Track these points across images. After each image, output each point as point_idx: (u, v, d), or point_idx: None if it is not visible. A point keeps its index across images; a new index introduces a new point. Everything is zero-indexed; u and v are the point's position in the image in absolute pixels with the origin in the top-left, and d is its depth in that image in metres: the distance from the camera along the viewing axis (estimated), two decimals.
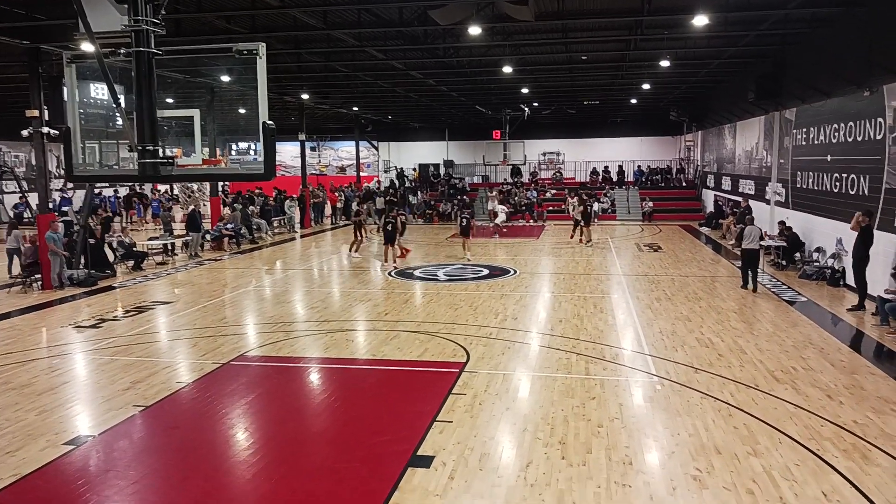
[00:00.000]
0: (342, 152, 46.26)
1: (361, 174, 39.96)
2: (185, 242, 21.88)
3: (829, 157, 16.06)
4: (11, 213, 30.30)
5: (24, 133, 16.06)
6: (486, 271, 17.82)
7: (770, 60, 19.63)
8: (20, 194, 25.62)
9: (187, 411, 8.23)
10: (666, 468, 6.39)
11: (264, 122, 6.28)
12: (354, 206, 27.31)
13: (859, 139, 14.31)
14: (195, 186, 27.79)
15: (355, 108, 34.73)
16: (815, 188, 16.97)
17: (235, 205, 26.68)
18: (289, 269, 19.31)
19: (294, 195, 30.86)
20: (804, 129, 17.95)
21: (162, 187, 39.00)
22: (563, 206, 32.53)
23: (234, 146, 40.56)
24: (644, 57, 20.13)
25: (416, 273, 17.73)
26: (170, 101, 7.96)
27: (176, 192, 37.17)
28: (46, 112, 16.12)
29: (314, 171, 42.95)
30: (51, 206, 17.85)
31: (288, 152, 43.15)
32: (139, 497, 6.09)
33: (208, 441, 7.33)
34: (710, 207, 30.43)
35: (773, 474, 6.21)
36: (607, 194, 34.24)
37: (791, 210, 18.84)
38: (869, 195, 13.70)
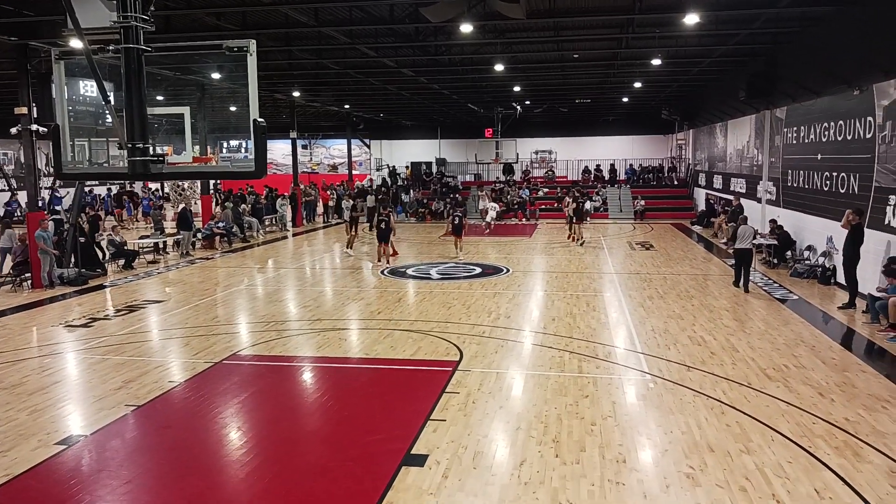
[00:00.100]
0: (334, 150, 46.16)
1: (353, 172, 39.90)
2: (176, 241, 21.78)
3: (819, 156, 16.14)
4: (1, 211, 30.12)
5: (13, 130, 15.95)
6: (478, 270, 17.82)
7: (761, 59, 19.71)
8: (11, 192, 25.47)
9: (180, 410, 8.19)
10: (659, 466, 6.40)
11: (255, 120, 6.24)
12: (347, 203, 27.22)
13: (849, 138, 14.38)
14: (186, 184, 27.62)
15: (347, 106, 34.65)
16: (806, 187, 17.05)
17: (227, 203, 26.57)
18: (281, 267, 19.24)
19: (285, 193, 30.77)
20: (795, 128, 18.03)
21: (152, 185, 38.84)
22: (556, 205, 32.63)
23: (225, 144, 40.44)
24: (635, 55, 20.17)
25: (409, 272, 17.71)
26: (160, 98, 7.90)
27: (167, 190, 36.98)
28: (35, 109, 16.00)
29: (306, 170, 42.84)
30: (40, 204, 17.67)
31: (279, 150, 43.02)
32: (132, 497, 6.05)
33: (201, 440, 7.29)
34: (701, 206, 30.55)
35: (766, 471, 6.23)
36: (599, 193, 34.30)
37: (782, 208, 18.93)
38: (859, 194, 13.78)
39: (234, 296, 15.06)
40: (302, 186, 32.30)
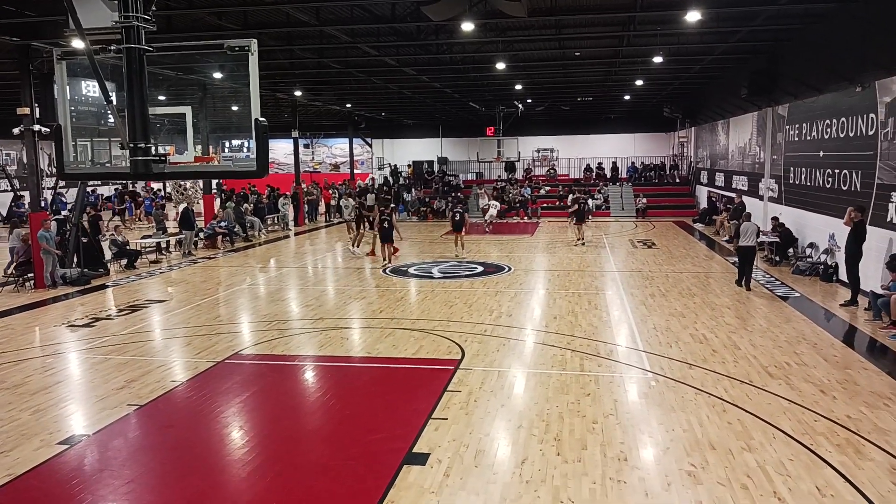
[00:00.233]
0: (336, 149, 46.16)
1: (355, 171, 39.90)
2: (178, 240, 21.81)
3: (821, 153, 16.12)
4: (6, 211, 30.18)
5: (16, 131, 15.97)
6: (480, 268, 17.82)
7: (763, 56, 19.66)
8: (14, 192, 25.51)
9: (182, 410, 8.21)
10: (661, 464, 6.41)
11: (257, 119, 6.25)
12: (350, 202, 27.13)
13: (851, 135, 14.35)
14: (188, 184, 27.64)
15: (348, 105, 34.63)
16: (808, 184, 17.03)
17: (229, 203, 26.59)
18: (283, 267, 19.26)
19: (287, 193, 30.79)
20: (797, 125, 18.01)
21: (155, 185, 38.91)
22: (557, 203, 32.63)
23: (226, 143, 40.50)
24: (637, 53, 20.14)
25: (411, 270, 17.72)
26: (162, 98, 7.93)
27: (169, 189, 37.04)
28: (37, 110, 16.01)
29: (308, 169, 42.85)
30: (43, 204, 17.69)
31: (281, 149, 43.03)
32: (134, 496, 6.06)
33: (203, 440, 7.31)
34: (703, 204, 30.51)
35: (767, 469, 6.23)
36: (601, 191, 34.27)
37: (784, 206, 18.91)
38: (861, 191, 13.76)
39: (236, 295, 15.09)
40: (304, 186, 32.31)
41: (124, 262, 18.70)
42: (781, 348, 10.06)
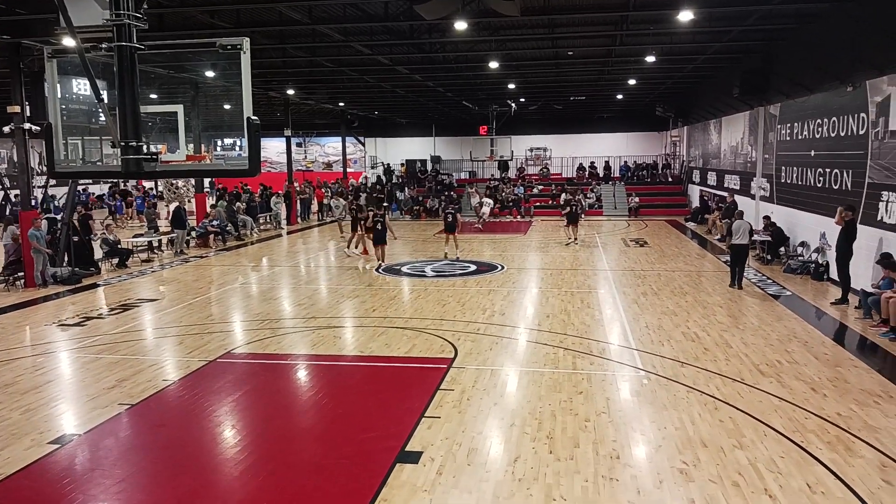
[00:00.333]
0: (328, 148, 46.09)
1: (348, 170, 39.85)
2: (170, 239, 21.73)
3: (812, 153, 16.20)
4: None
5: (6, 129, 15.88)
6: (473, 267, 17.83)
7: (755, 56, 19.74)
8: (3, 191, 25.33)
9: (174, 409, 8.18)
10: (653, 462, 6.43)
11: (249, 118, 6.23)
12: (341, 201, 27.06)
13: (842, 134, 14.43)
14: (180, 183, 27.56)
15: (341, 104, 34.58)
16: (800, 183, 17.11)
17: (220, 202, 26.51)
18: (275, 265, 19.23)
19: (279, 191, 30.71)
20: (788, 125, 18.09)
21: (147, 184, 38.77)
22: (550, 203, 32.68)
23: (219, 142, 40.39)
24: (630, 52, 20.17)
25: (404, 269, 17.71)
26: (153, 96, 7.91)
27: (161, 188, 36.91)
28: (28, 108, 15.92)
29: (300, 168, 42.75)
30: (33, 202, 17.59)
31: (273, 148, 42.94)
32: (126, 495, 6.04)
33: (195, 439, 7.29)
34: (695, 202, 30.60)
35: (759, 466, 6.26)
36: (594, 190, 34.33)
37: (776, 205, 18.99)
38: (852, 190, 13.83)
39: (228, 294, 15.05)
40: (297, 186, 32.23)
41: (116, 261, 18.62)
42: (773, 346, 10.11)
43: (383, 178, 39.53)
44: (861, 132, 13.49)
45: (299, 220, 31.03)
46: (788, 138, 18.06)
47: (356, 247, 20.47)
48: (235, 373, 9.43)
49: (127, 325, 12.23)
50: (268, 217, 28.80)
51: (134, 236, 21.76)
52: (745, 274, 14.78)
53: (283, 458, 6.71)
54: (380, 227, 18.40)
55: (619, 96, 31.95)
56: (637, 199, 32.24)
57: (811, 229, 16.04)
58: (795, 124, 17.49)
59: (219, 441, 7.29)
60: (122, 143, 6.40)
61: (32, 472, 6.49)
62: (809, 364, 9.25)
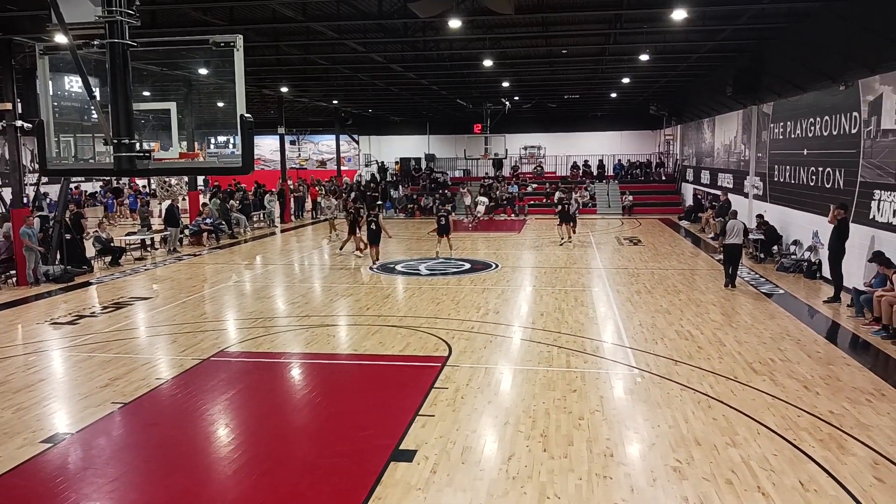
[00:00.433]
0: (322, 146, 45.96)
1: (342, 168, 39.77)
2: (163, 237, 21.66)
3: (805, 151, 16.26)
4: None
5: None
6: (467, 265, 17.83)
7: (748, 55, 19.80)
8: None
9: (167, 408, 8.15)
10: (646, 460, 6.45)
11: (242, 116, 6.21)
12: (332, 201, 26.94)
13: (835, 133, 14.49)
14: (173, 181, 27.45)
15: (335, 102, 34.51)
16: (792, 182, 17.17)
17: (214, 199, 26.41)
18: (269, 263, 19.18)
19: (273, 189, 30.63)
20: (781, 124, 18.15)
21: (140, 181, 38.60)
22: (544, 201, 32.69)
23: (212, 140, 40.23)
24: (624, 51, 20.20)
25: (398, 268, 17.69)
26: (146, 93, 7.88)
27: (154, 186, 36.75)
28: (20, 105, 15.84)
29: (294, 166, 42.64)
30: (25, 200, 17.48)
31: (267, 146, 42.80)
32: (118, 494, 6.02)
33: (189, 438, 7.27)
34: (689, 201, 30.69)
35: (752, 464, 6.28)
36: (588, 188, 34.38)
37: (769, 203, 19.06)
38: (844, 188, 13.89)
39: (221, 292, 15.00)
40: (291, 184, 32.14)
41: (108, 259, 18.54)
42: (766, 345, 10.15)
43: (377, 176, 39.47)
44: (853, 131, 13.54)
45: (293, 218, 30.97)
46: (781, 137, 18.12)
47: (356, 248, 19.90)
48: (229, 371, 9.41)
49: (120, 323, 12.18)
50: (262, 215, 28.74)
51: (127, 234, 21.66)
52: (738, 272, 14.80)
53: (277, 456, 6.70)
54: (374, 227, 18.30)
55: (613, 95, 32.00)
56: (631, 198, 32.30)
57: (804, 228, 16.10)
58: (788, 123, 17.55)
59: (212, 440, 7.27)
60: (115, 141, 6.38)
61: (25, 472, 6.46)
62: (802, 362, 9.29)
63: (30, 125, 15.08)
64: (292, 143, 44.73)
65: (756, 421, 7.28)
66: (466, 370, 9.13)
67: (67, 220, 17.69)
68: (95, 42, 6.30)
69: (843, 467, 6.21)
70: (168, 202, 22.72)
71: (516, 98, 32.89)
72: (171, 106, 6.92)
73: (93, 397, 8.35)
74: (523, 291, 14.52)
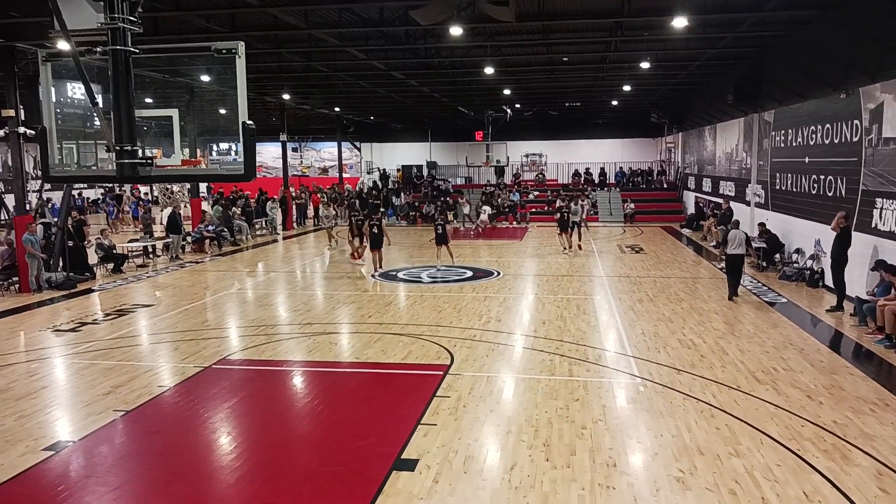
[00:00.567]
0: (324, 153, 46.05)
1: (344, 175, 39.83)
2: (165, 244, 21.66)
3: (807, 159, 16.25)
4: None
5: (0, 133, 15.81)
6: (469, 273, 17.81)
7: (748, 63, 19.83)
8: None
9: (169, 415, 8.13)
10: (649, 469, 6.41)
11: (244, 123, 6.21)
12: (331, 211, 26.85)
13: (836, 141, 14.48)
14: (175, 188, 27.52)
15: (337, 109, 34.59)
16: (794, 190, 17.16)
17: (216, 206, 26.45)
18: (271, 271, 19.17)
19: (275, 196, 30.65)
20: (783, 131, 18.15)
21: (142, 188, 38.67)
22: (546, 209, 32.68)
23: (214, 147, 40.27)
24: (624, 58, 20.24)
25: (400, 275, 17.68)
26: (148, 100, 7.85)
27: (156, 193, 36.81)
28: (22, 111, 15.88)
29: (296, 173, 42.71)
30: (28, 207, 17.49)
31: (269, 153, 42.87)
32: (120, 503, 5.99)
33: (191, 445, 7.24)
34: (690, 209, 30.67)
35: (755, 475, 6.25)
36: (589, 196, 34.36)
37: (770, 211, 19.04)
38: (846, 196, 13.87)
39: (223, 299, 14.99)
40: (293, 191, 32.16)
41: (111, 266, 18.55)
42: (768, 353, 10.11)
43: (379, 183, 39.52)
44: (855, 139, 13.54)
45: (295, 225, 30.99)
46: (783, 145, 18.12)
47: (351, 254, 20.06)
48: (231, 379, 9.39)
49: (122, 330, 12.17)
50: (264, 222, 28.76)
51: (129, 241, 21.69)
52: (740, 281, 14.68)
53: (279, 465, 6.68)
54: (376, 231, 18.29)
55: (614, 102, 32.05)
56: (632, 206, 32.29)
57: (806, 236, 16.07)
58: (790, 131, 17.56)
59: (214, 448, 7.25)
60: (117, 148, 6.37)
61: (26, 479, 6.44)
62: (805, 371, 9.26)
63: (32, 132, 15.13)
64: (294, 150, 44.82)
65: (759, 431, 7.24)
66: (468, 378, 9.10)
67: (70, 226, 17.71)
68: (98, 49, 6.31)
69: (847, 478, 6.17)
70: (170, 209, 22.74)
71: (518, 105, 32.97)
72: (174, 113, 6.91)
73: (95, 405, 8.33)
74: (525, 299, 14.50)
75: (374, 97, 28.87)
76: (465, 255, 21.00)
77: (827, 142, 15.00)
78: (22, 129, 15.53)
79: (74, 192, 31.39)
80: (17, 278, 15.81)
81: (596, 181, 37.14)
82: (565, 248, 21.48)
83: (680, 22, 14.21)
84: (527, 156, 40.97)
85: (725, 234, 14.73)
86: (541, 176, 38.92)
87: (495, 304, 13.94)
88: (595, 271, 17.97)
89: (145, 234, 22.94)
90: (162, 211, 28.10)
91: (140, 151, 6.52)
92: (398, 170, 41.74)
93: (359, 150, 44.70)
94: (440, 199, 34.12)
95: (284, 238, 27.30)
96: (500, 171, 37.11)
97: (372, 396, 8.68)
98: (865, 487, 6.00)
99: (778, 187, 18.51)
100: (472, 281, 16.68)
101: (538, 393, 8.51)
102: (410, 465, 6.55)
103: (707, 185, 28.01)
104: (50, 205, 27.39)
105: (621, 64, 21.22)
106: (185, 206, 25.14)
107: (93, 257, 18.57)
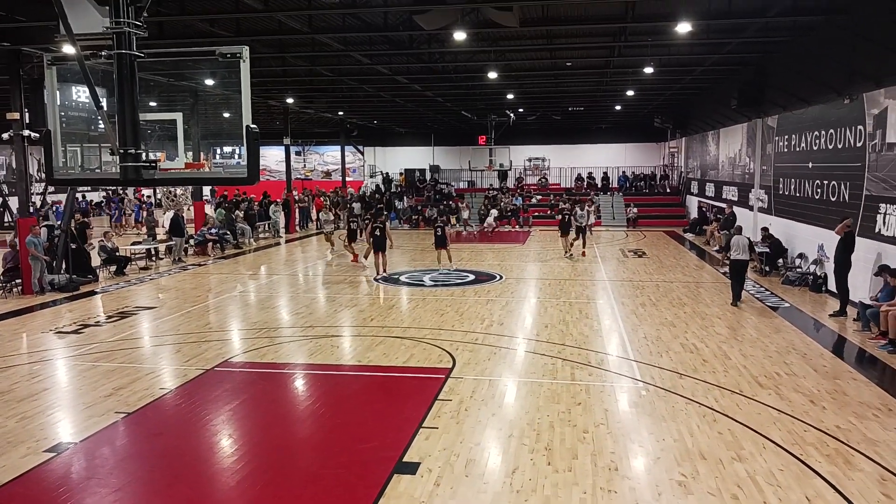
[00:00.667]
0: (327, 157, 46.14)
1: (347, 179, 39.88)
2: (168, 247, 21.70)
3: (810, 164, 16.24)
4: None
5: (5, 136, 15.89)
6: (472, 277, 17.81)
7: (752, 68, 19.83)
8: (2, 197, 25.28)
9: (171, 418, 8.14)
10: (651, 474, 6.40)
11: (248, 126, 6.23)
12: (329, 216, 26.75)
13: (840, 146, 14.47)
14: (178, 191, 27.56)
15: (340, 113, 34.67)
16: (798, 195, 17.14)
17: (219, 209, 26.48)
18: (273, 274, 19.19)
19: (278, 200, 30.69)
20: (786, 137, 18.14)
21: (145, 191, 38.77)
22: (548, 213, 32.70)
23: (217, 150, 40.39)
24: (628, 63, 20.26)
25: (402, 279, 17.69)
26: (153, 104, 7.90)
27: (159, 196, 36.88)
28: (27, 115, 15.94)
29: (299, 176, 42.78)
30: (32, 209, 17.54)
31: (273, 157, 42.96)
32: None
33: (192, 448, 7.25)
34: (694, 213, 30.64)
35: (758, 479, 6.23)
36: (593, 200, 34.35)
37: (774, 216, 19.02)
38: (849, 202, 13.85)
39: (226, 302, 15.01)
40: (296, 195, 32.19)
41: (113, 268, 18.59)
42: (771, 358, 10.09)
43: (382, 186, 39.57)
44: (858, 144, 13.53)
45: (298, 228, 31.02)
46: (786, 150, 18.11)
47: (366, 257, 19.80)
48: (233, 382, 9.39)
49: (124, 332, 12.19)
50: (266, 225, 28.79)
51: (132, 244, 21.73)
52: (743, 286, 14.63)
53: (281, 468, 6.68)
54: (378, 234, 18.31)
55: (618, 107, 32.07)
56: (635, 210, 32.28)
57: (809, 241, 16.05)
58: (793, 136, 17.55)
59: (216, 450, 7.25)
60: (121, 151, 6.40)
61: (28, 481, 6.45)
62: (808, 376, 9.23)
63: (37, 135, 15.21)
64: (298, 153, 44.91)
65: (762, 435, 7.23)
66: (470, 382, 9.10)
67: (73, 229, 17.75)
68: (103, 53, 6.34)
69: (849, 483, 6.15)
70: (173, 212, 22.79)
71: (521, 110, 33.00)
72: (178, 116, 6.94)
73: (97, 406, 8.35)
74: (528, 303, 14.49)
75: (377, 101, 28.94)
76: (468, 259, 21.00)
77: (830, 147, 14.99)
78: (26, 133, 15.59)
79: (78, 195, 31.50)
80: (20, 280, 15.85)
81: (599, 185, 37.13)
82: (567, 252, 21.50)
83: (684, 27, 14.23)
84: (530, 160, 40.99)
85: (728, 239, 14.70)
86: (544, 180, 38.92)
87: (497, 307, 13.94)
88: (598, 275, 17.96)
89: (148, 237, 22.98)
90: (165, 214, 28.13)
91: (144, 154, 6.54)
92: (401, 173, 41.79)
93: (362, 153, 44.77)
94: (443, 202, 34.15)
95: (287, 241, 27.32)
96: (503, 176, 37.11)
97: (374, 399, 8.68)
98: (868, 493, 5.98)
99: (781, 192, 18.49)
100: (474, 285, 16.68)
101: (540, 397, 8.50)
102: (412, 468, 6.54)
103: (710, 189, 27.99)
104: (54, 208, 27.50)
105: (625, 69, 21.24)
106: (189, 209, 25.17)
107: (96, 259, 18.61)
